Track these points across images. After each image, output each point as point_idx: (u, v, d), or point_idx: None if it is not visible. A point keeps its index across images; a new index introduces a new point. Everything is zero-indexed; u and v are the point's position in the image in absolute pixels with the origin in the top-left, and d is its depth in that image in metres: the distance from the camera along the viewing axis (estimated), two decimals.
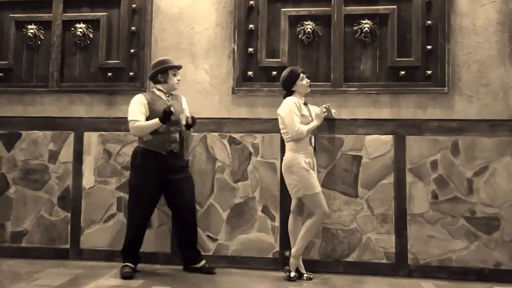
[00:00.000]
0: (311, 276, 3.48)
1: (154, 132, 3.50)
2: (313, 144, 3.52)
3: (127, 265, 3.51)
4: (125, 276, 3.42)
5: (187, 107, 3.74)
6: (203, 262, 3.61)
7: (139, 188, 3.51)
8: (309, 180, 3.38)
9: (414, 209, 3.68)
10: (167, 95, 3.62)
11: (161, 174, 3.50)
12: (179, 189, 3.59)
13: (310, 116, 3.51)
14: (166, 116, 3.38)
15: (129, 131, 3.96)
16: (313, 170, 3.48)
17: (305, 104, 3.54)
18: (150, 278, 3.46)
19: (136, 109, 3.50)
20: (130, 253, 3.58)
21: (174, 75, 3.60)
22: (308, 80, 3.54)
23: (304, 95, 3.55)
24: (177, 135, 3.63)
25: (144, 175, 3.49)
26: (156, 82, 3.63)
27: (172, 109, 3.37)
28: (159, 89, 3.62)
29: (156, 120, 3.41)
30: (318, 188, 3.41)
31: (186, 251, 3.63)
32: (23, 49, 4.19)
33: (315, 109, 3.57)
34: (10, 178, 4.09)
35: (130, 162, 3.64)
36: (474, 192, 3.63)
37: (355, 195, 3.74)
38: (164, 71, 3.57)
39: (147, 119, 3.50)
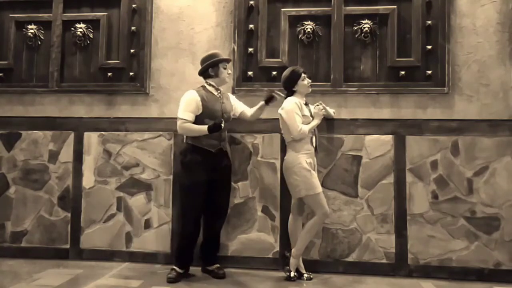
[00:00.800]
0: (311, 276, 3.49)
1: None
2: (314, 144, 3.51)
3: (173, 269, 3.44)
4: (169, 281, 3.36)
5: (236, 102, 3.69)
6: (215, 265, 3.59)
7: (191, 187, 3.42)
8: (311, 180, 3.38)
9: (414, 209, 3.68)
10: (218, 90, 3.56)
11: (210, 172, 3.44)
12: (219, 192, 3.53)
13: (311, 116, 3.51)
14: (216, 129, 3.35)
15: (128, 131, 3.98)
16: (314, 170, 3.48)
17: (306, 104, 3.54)
18: (150, 278, 3.46)
19: (187, 108, 3.42)
20: (182, 256, 3.49)
21: (225, 68, 3.55)
22: (310, 80, 3.54)
23: (305, 95, 3.55)
24: (226, 133, 3.60)
25: (195, 173, 3.40)
26: (207, 76, 3.56)
27: (222, 125, 3.35)
28: (210, 84, 3.54)
29: (205, 128, 3.36)
30: (319, 189, 3.41)
31: (205, 252, 3.61)
32: (23, 49, 4.19)
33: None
34: (10, 178, 4.09)
35: (180, 160, 3.57)
36: (474, 192, 3.63)
37: (355, 195, 3.74)
38: (214, 65, 3.52)
39: (200, 116, 3.43)
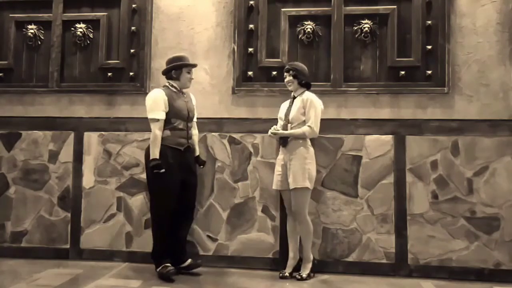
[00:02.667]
0: (300, 277, 3.46)
1: (174, 129, 3.46)
2: (279, 142, 3.57)
3: (166, 266, 3.42)
4: (171, 274, 3.36)
5: (195, 103, 3.70)
6: (189, 260, 3.56)
7: (164, 189, 3.40)
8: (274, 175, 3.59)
9: (414, 209, 3.68)
10: (180, 92, 3.57)
11: (181, 172, 3.46)
12: (187, 193, 3.55)
13: (287, 114, 3.51)
14: (157, 167, 3.35)
15: (128, 131, 3.99)
16: (285, 166, 3.48)
17: (294, 98, 3.55)
18: (150, 278, 3.46)
19: (159, 107, 3.42)
20: (164, 255, 3.47)
21: (188, 73, 3.56)
22: (288, 78, 3.52)
23: (293, 90, 3.56)
24: (193, 132, 3.63)
25: (168, 174, 3.38)
26: (169, 78, 3.58)
27: (161, 171, 3.36)
28: (172, 85, 3.56)
29: (155, 157, 3.36)
30: (273, 185, 3.58)
31: (175, 252, 3.54)
32: (23, 49, 4.19)
33: (305, 98, 3.52)
34: (10, 178, 4.09)
35: (147, 163, 3.46)
36: (474, 192, 3.63)
37: (355, 195, 3.74)
38: (178, 68, 3.53)
39: (167, 114, 3.44)
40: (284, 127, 3.47)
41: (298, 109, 3.47)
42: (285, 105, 3.62)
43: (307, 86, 3.56)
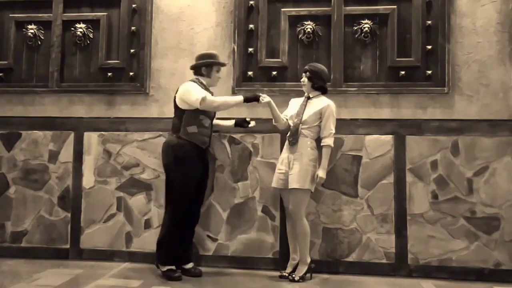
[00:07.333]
0: (292, 278, 3.44)
1: (201, 126, 3.46)
2: (287, 138, 3.53)
3: (171, 269, 3.43)
4: (178, 279, 3.38)
5: None
6: (191, 264, 3.56)
7: (186, 182, 3.40)
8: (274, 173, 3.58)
9: (414, 209, 3.68)
10: (207, 90, 3.53)
11: (200, 169, 3.49)
12: (201, 190, 3.59)
13: (300, 113, 3.49)
14: (253, 99, 3.43)
15: (128, 131, 3.98)
16: (288, 165, 3.46)
17: (309, 98, 3.53)
18: (150, 278, 3.46)
19: (200, 89, 3.41)
20: (171, 255, 3.47)
21: (218, 71, 3.57)
22: (303, 78, 3.53)
23: (306, 92, 3.56)
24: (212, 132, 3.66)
25: (191, 168, 3.41)
26: (199, 74, 3.56)
27: (261, 98, 3.43)
28: (201, 82, 3.53)
29: (241, 98, 3.43)
30: (273, 183, 3.55)
31: (181, 251, 3.55)
32: (23, 49, 4.19)
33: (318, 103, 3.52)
34: (10, 178, 4.09)
35: (172, 154, 3.43)
36: (474, 192, 3.63)
37: (355, 195, 3.74)
38: (209, 65, 3.53)
39: (194, 111, 3.41)
40: (296, 126, 3.47)
41: (314, 113, 3.45)
42: (296, 102, 3.59)
43: (321, 90, 3.54)
